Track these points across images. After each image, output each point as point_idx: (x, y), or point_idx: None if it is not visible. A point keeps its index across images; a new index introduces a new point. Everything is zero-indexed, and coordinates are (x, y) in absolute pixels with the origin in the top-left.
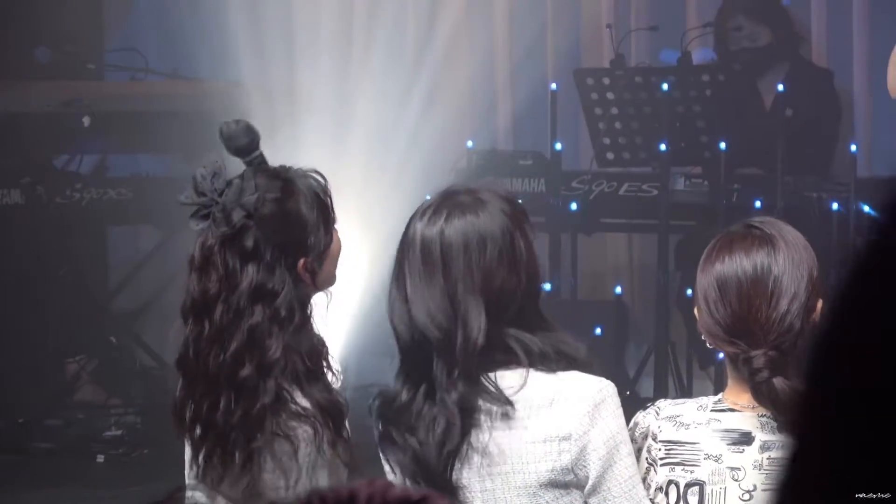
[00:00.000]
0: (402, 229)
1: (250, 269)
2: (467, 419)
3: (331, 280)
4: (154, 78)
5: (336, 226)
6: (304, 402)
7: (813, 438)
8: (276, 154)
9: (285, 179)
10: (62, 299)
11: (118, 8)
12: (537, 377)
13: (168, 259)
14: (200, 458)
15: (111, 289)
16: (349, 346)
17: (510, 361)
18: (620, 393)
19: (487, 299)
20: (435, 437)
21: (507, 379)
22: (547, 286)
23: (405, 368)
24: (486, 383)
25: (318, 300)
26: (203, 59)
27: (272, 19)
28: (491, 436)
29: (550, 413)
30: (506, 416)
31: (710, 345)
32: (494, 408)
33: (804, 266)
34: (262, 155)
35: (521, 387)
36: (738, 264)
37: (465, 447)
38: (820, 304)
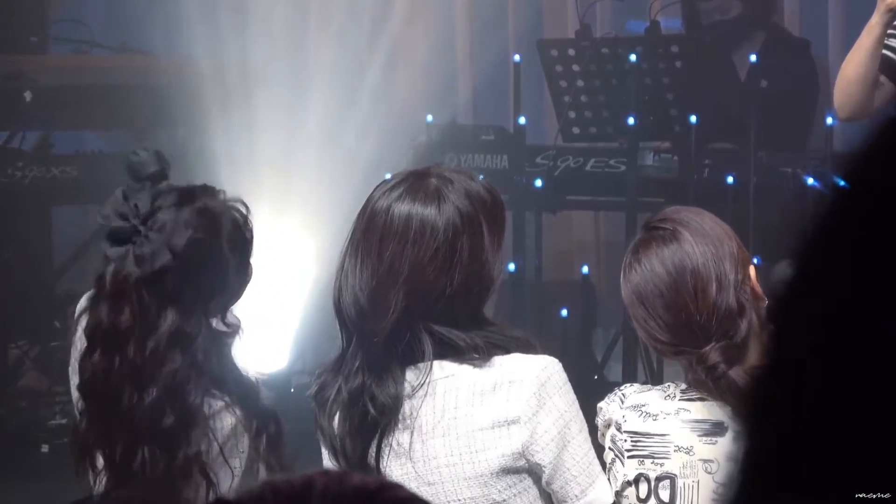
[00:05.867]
0: (360, 206)
1: (169, 314)
2: (381, 412)
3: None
4: (100, 51)
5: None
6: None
7: (764, 427)
8: (230, 132)
9: (212, 216)
10: (5, 282)
11: None
12: (468, 368)
13: None
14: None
15: (55, 271)
16: (305, 326)
17: (432, 355)
18: (588, 377)
19: (411, 291)
20: (350, 428)
21: (433, 372)
22: (511, 266)
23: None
24: (399, 375)
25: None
26: (152, 31)
27: None
28: (423, 429)
29: (495, 398)
30: (439, 408)
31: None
32: (417, 400)
33: (718, 243)
34: (170, 184)
35: (452, 377)
36: (651, 272)
37: (386, 441)
38: (752, 270)
